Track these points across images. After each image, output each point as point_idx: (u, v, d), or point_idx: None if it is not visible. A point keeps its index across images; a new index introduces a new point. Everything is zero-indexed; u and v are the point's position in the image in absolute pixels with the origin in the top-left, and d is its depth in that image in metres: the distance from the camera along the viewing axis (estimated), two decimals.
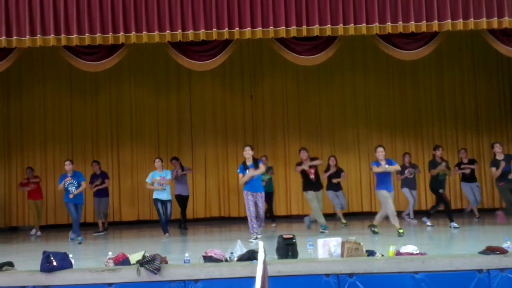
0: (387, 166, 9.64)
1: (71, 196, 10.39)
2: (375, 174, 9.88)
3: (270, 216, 12.16)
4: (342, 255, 6.77)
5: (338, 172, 11.96)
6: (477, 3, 9.60)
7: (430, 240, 9.63)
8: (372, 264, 6.55)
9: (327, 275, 6.43)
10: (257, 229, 9.51)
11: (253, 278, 4.17)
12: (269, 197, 12.01)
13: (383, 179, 9.75)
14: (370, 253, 6.89)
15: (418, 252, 6.88)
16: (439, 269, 6.48)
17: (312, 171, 10.53)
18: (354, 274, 6.44)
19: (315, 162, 10.68)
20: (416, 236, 9.98)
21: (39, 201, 12.32)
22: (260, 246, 4.43)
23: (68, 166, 10.54)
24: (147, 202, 13.33)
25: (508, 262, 6.50)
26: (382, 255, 6.83)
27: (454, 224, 10.46)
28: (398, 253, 6.88)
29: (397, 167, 9.97)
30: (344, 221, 11.77)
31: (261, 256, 4.21)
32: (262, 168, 9.69)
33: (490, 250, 6.68)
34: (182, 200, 12.15)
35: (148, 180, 10.82)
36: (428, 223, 10.86)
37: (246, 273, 6.32)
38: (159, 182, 10.64)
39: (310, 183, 10.52)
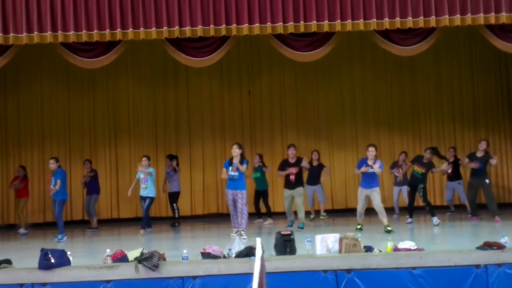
0: (370, 168, 9.79)
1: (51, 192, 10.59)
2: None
3: (267, 213, 12.18)
4: (340, 251, 6.79)
5: (320, 167, 12.12)
6: None
7: (428, 235, 9.66)
8: (370, 260, 6.57)
9: (325, 271, 6.45)
10: (238, 224, 9.76)
11: (251, 275, 4.18)
12: (264, 194, 12.07)
13: (364, 176, 9.98)
14: (368, 249, 6.91)
15: (416, 248, 6.91)
16: (437, 265, 6.51)
17: (294, 171, 10.61)
18: (352, 270, 6.46)
19: (304, 165, 10.91)
20: (413, 231, 10.01)
21: (23, 200, 12.12)
22: (258, 242, 4.43)
23: (52, 165, 10.66)
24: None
25: (506, 257, 6.53)
26: (380, 251, 6.85)
27: (410, 220, 10.94)
28: (396, 249, 6.90)
29: (378, 170, 9.85)
30: (324, 214, 12.03)
31: (259, 252, 4.22)
32: (243, 168, 9.81)
33: (487, 246, 6.71)
34: (171, 196, 12.20)
35: (137, 178, 11.06)
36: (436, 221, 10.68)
37: (244, 269, 6.33)
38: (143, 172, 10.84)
39: (288, 183, 10.68)
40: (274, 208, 13.17)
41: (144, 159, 11.01)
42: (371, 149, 9.98)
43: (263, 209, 12.20)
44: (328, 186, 13.37)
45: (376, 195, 9.87)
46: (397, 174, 12.24)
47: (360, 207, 10.07)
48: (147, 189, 10.85)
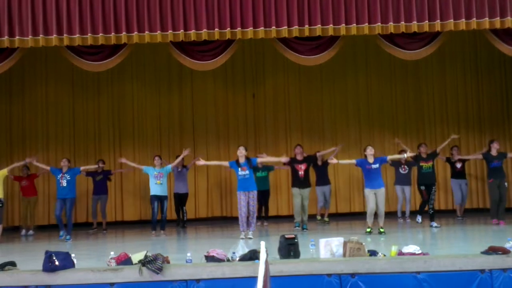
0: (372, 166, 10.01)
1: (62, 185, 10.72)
2: (363, 172, 10.22)
3: (265, 215, 12.22)
4: (344, 255, 6.77)
5: (325, 165, 11.97)
6: (480, 2, 9.62)
7: (432, 240, 9.64)
8: (374, 264, 6.55)
9: (329, 275, 6.43)
10: (245, 228, 9.77)
11: (255, 278, 4.18)
12: (267, 195, 12.05)
13: (368, 176, 10.06)
14: (372, 253, 6.89)
15: (420, 252, 6.88)
16: (441, 269, 6.48)
17: (303, 167, 10.71)
18: (356, 274, 6.44)
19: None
20: (418, 236, 9.99)
21: (32, 198, 12.29)
22: (262, 246, 4.43)
23: (64, 162, 10.90)
24: (149, 201, 13.30)
25: (511, 262, 6.49)
26: (384, 255, 6.83)
27: (419, 218, 11.08)
28: (400, 253, 6.88)
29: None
30: (326, 219, 12.06)
31: (263, 256, 4.22)
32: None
33: (492, 250, 6.67)
34: (180, 198, 12.20)
35: (144, 168, 11.13)
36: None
37: (248, 273, 6.32)
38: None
39: (297, 180, 10.76)
40: (278, 211, 13.17)
41: (156, 158, 11.09)
42: (370, 147, 10.16)
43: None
44: (332, 189, 13.33)
45: (384, 195, 10.07)
46: (403, 172, 12.14)
47: (372, 208, 9.95)
48: (163, 187, 10.83)
